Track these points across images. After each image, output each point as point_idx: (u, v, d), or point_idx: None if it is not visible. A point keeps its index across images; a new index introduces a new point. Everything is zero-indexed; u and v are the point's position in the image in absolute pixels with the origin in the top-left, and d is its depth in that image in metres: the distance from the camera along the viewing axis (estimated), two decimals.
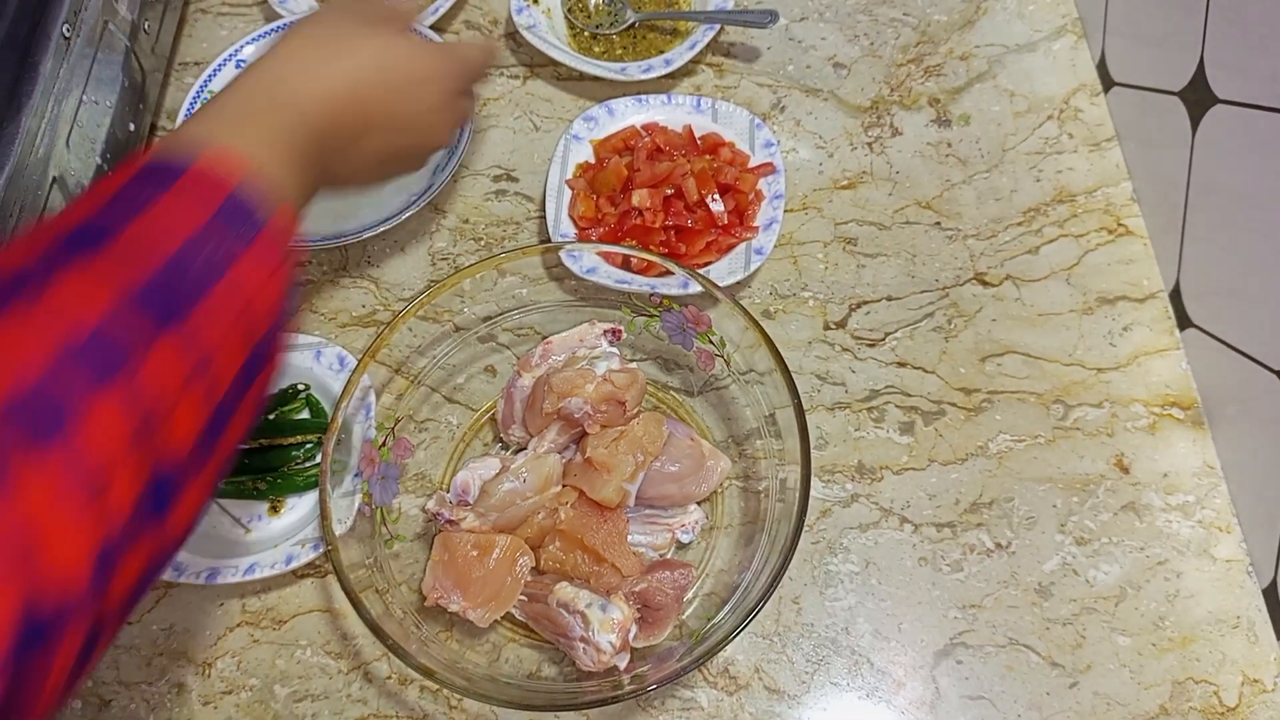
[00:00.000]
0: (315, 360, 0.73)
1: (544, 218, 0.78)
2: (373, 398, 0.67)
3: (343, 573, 0.58)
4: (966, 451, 0.71)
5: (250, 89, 0.51)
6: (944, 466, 0.71)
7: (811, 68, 0.87)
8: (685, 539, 0.67)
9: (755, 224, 0.76)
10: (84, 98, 0.70)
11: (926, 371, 0.74)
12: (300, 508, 0.70)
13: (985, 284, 0.77)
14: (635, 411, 0.66)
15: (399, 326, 0.65)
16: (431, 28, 0.84)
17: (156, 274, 0.40)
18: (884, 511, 0.70)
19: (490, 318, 0.72)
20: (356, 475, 0.64)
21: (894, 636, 0.66)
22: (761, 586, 0.58)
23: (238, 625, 0.67)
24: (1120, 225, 0.79)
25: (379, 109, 0.57)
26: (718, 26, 0.85)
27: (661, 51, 0.86)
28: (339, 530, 0.60)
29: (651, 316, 0.71)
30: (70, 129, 0.69)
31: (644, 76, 0.83)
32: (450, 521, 0.64)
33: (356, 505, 0.63)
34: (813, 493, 0.64)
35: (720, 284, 0.67)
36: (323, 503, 0.60)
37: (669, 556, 0.66)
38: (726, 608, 0.61)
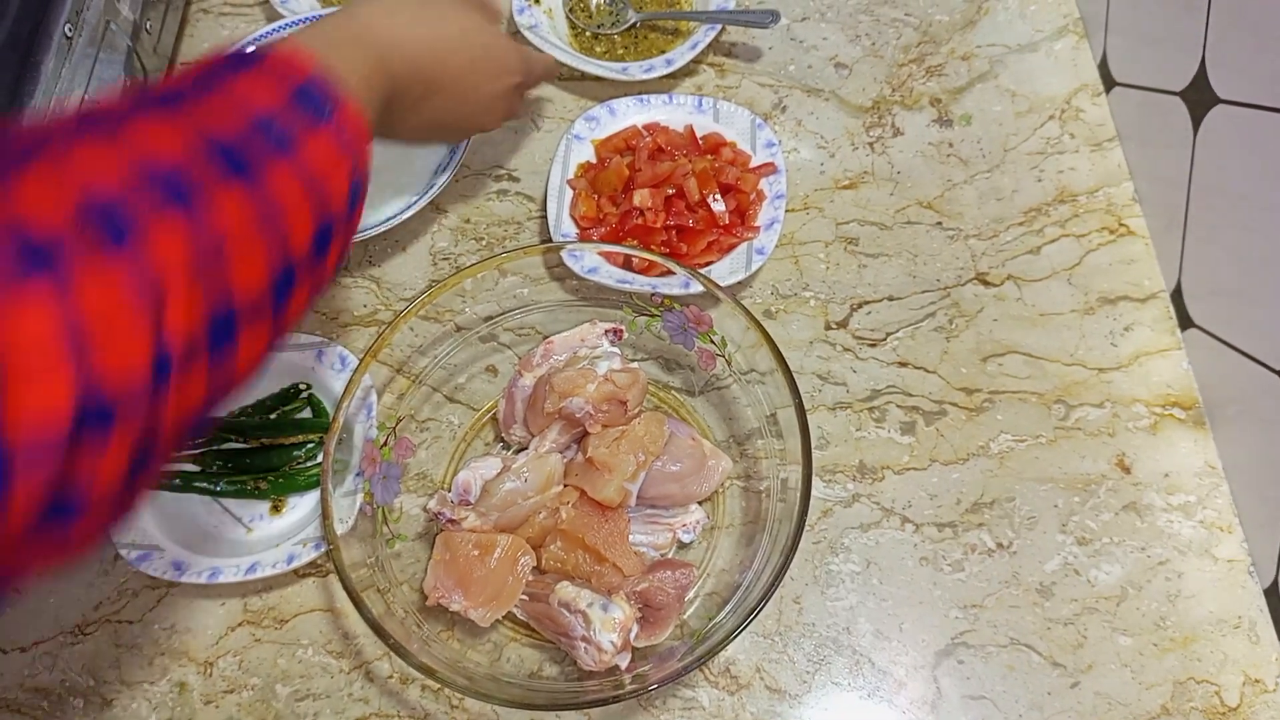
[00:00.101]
0: (317, 360, 0.73)
1: (545, 217, 0.78)
2: (374, 397, 0.67)
3: (344, 572, 0.58)
4: (968, 451, 0.71)
5: (339, 24, 0.55)
6: (945, 466, 0.71)
7: (813, 68, 0.87)
8: (686, 539, 0.67)
9: (756, 224, 0.76)
10: (86, 97, 0.70)
11: (928, 371, 0.74)
12: (302, 507, 0.70)
13: (987, 284, 0.77)
14: (636, 411, 0.66)
15: (400, 326, 0.65)
16: None
17: (232, 133, 0.42)
18: (885, 511, 0.70)
19: (492, 317, 0.72)
20: (358, 475, 0.64)
21: (895, 636, 0.66)
22: (763, 586, 0.58)
23: (239, 624, 0.67)
24: (1122, 225, 0.79)
25: (450, 78, 0.63)
26: (719, 26, 0.85)
27: (663, 51, 0.86)
28: (340, 530, 0.60)
29: (653, 316, 0.71)
30: None
31: (645, 76, 0.83)
32: (452, 521, 0.64)
33: (358, 505, 0.63)
34: (814, 492, 0.64)
35: (722, 284, 0.67)
36: (324, 502, 0.60)
37: (670, 556, 0.66)
38: (728, 607, 0.61)
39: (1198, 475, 0.70)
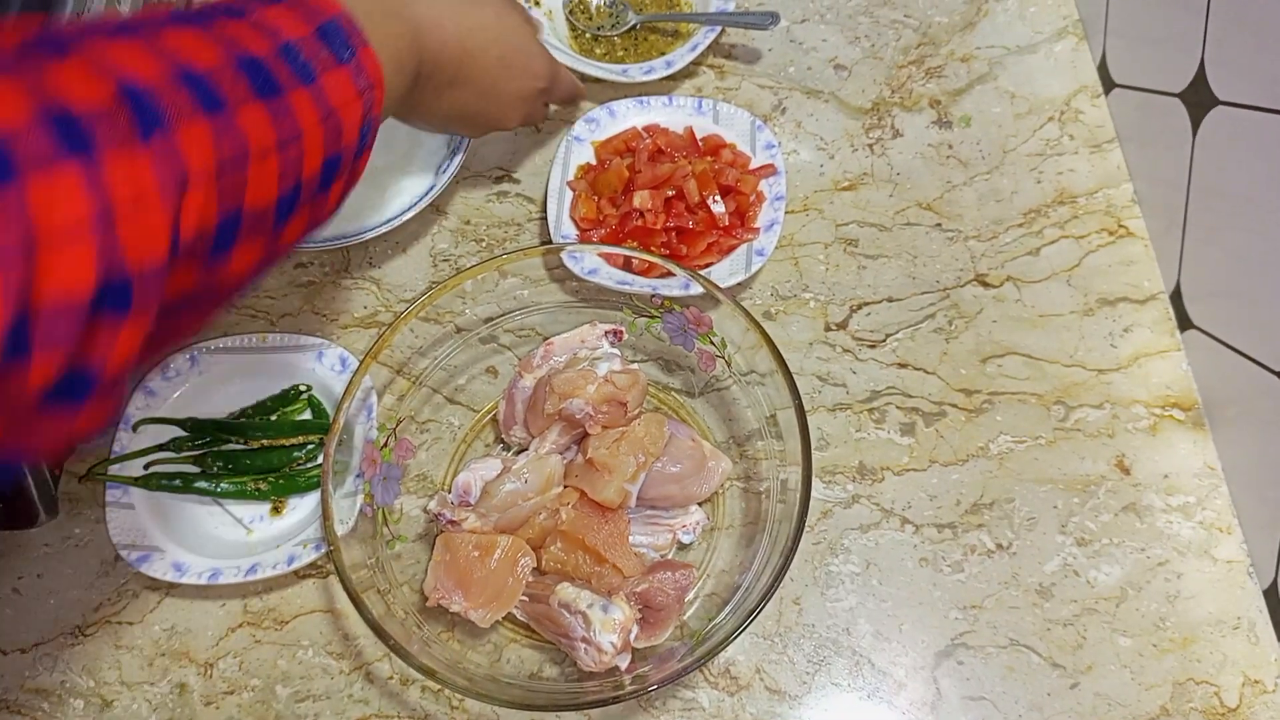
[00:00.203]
0: (317, 361, 0.73)
1: (545, 219, 0.78)
2: (374, 399, 0.67)
3: (344, 573, 0.58)
4: (967, 452, 0.71)
5: None
6: (945, 467, 0.71)
7: (813, 69, 0.87)
8: (686, 540, 0.67)
9: (756, 225, 0.76)
10: None
11: (927, 373, 0.74)
12: (302, 508, 0.70)
13: (986, 285, 0.77)
14: (636, 412, 0.66)
15: (400, 328, 0.65)
16: None
17: (259, 54, 0.43)
18: (885, 512, 0.70)
19: (492, 319, 0.72)
20: (358, 476, 0.64)
21: (895, 637, 0.66)
22: (762, 587, 0.58)
23: (239, 626, 0.67)
24: (1121, 227, 0.79)
25: (480, 69, 0.64)
26: (719, 29, 0.85)
27: (662, 53, 0.86)
28: (341, 531, 0.60)
29: (653, 318, 0.71)
30: None
31: (645, 78, 0.83)
32: (452, 522, 0.64)
33: (358, 506, 0.63)
34: (814, 494, 0.64)
35: (721, 285, 0.67)
36: (325, 503, 0.60)
37: (670, 557, 0.66)
38: (728, 608, 0.61)
39: (1197, 476, 0.70)
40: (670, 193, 0.76)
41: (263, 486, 0.70)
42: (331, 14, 0.48)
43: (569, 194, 0.78)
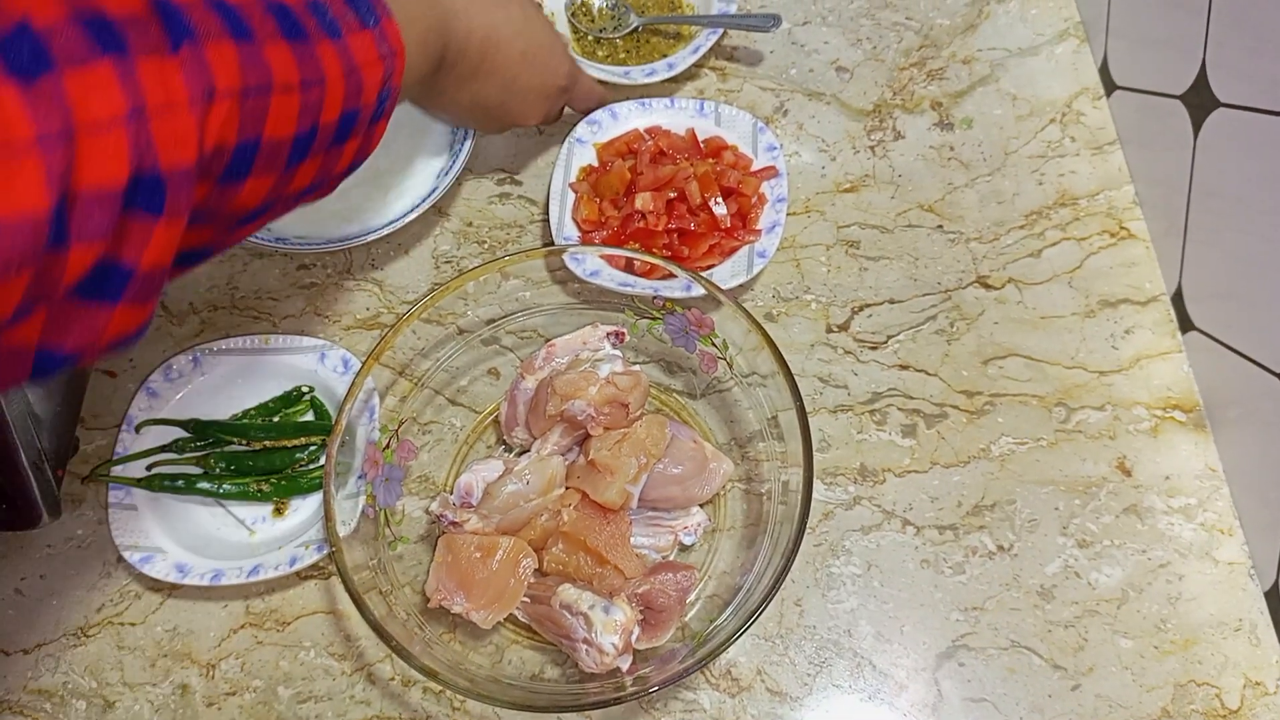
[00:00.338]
0: (319, 363, 0.73)
1: (547, 221, 0.78)
2: (376, 400, 0.67)
3: (346, 574, 0.58)
4: (968, 454, 0.71)
5: None
6: (946, 469, 0.71)
7: (814, 71, 0.88)
8: (688, 541, 0.67)
9: (758, 227, 0.76)
10: None
11: (929, 374, 0.74)
12: (304, 510, 0.70)
13: (987, 287, 0.77)
14: (638, 414, 0.66)
15: (403, 329, 0.65)
16: None
17: (288, 3, 0.45)
18: (886, 514, 0.70)
19: (494, 320, 0.72)
20: (360, 477, 0.65)
21: (896, 639, 0.66)
22: (764, 589, 0.58)
23: (242, 627, 0.68)
24: (1122, 228, 0.79)
25: (503, 62, 0.66)
26: (721, 31, 0.85)
27: (664, 55, 0.86)
28: (343, 532, 0.61)
29: (654, 319, 0.71)
30: None
31: (647, 80, 0.83)
32: (454, 523, 0.64)
33: (360, 507, 0.63)
34: (815, 495, 0.64)
35: (723, 287, 0.67)
36: (327, 504, 0.61)
37: (671, 558, 0.66)
38: (729, 610, 0.61)
39: (1198, 478, 0.70)
40: (672, 195, 0.76)
41: (265, 488, 0.70)
42: None
43: (571, 196, 0.78)
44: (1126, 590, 0.67)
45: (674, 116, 0.82)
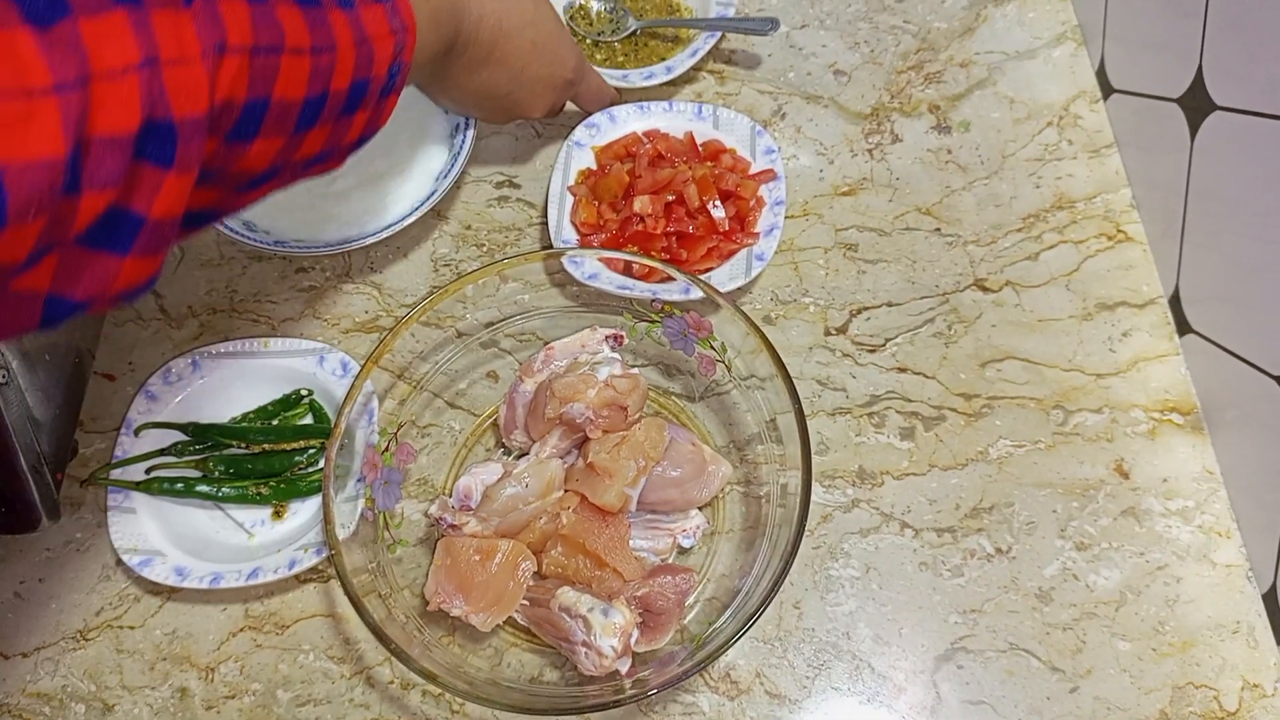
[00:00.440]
0: (318, 366, 0.73)
1: (546, 224, 0.78)
2: (375, 403, 0.67)
3: (346, 577, 0.58)
4: (967, 457, 0.71)
5: None
6: (944, 472, 0.71)
7: (812, 75, 0.88)
8: (687, 544, 0.67)
9: (756, 230, 0.76)
10: None
11: (927, 377, 0.74)
12: (303, 513, 0.70)
13: (985, 290, 0.77)
14: (637, 417, 0.66)
15: (401, 332, 0.65)
16: None
17: None
18: (885, 516, 0.70)
19: (492, 323, 0.72)
20: (359, 480, 0.65)
21: (895, 641, 0.66)
22: (762, 591, 0.58)
23: (241, 630, 0.68)
24: (1120, 231, 0.79)
25: (513, 50, 0.67)
26: (719, 34, 0.85)
27: (663, 59, 0.86)
28: (342, 535, 0.61)
29: (653, 322, 0.71)
30: None
31: (646, 83, 0.83)
32: (453, 526, 0.64)
33: (359, 510, 0.63)
34: (813, 498, 0.64)
35: (721, 290, 0.67)
36: (326, 507, 0.61)
37: (670, 561, 0.66)
38: (728, 612, 0.61)
39: (1196, 480, 0.70)
40: (670, 198, 0.76)
41: (264, 491, 0.70)
42: None
43: (569, 199, 0.78)
44: (1124, 592, 0.67)
45: (672, 120, 0.82)
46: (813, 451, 0.61)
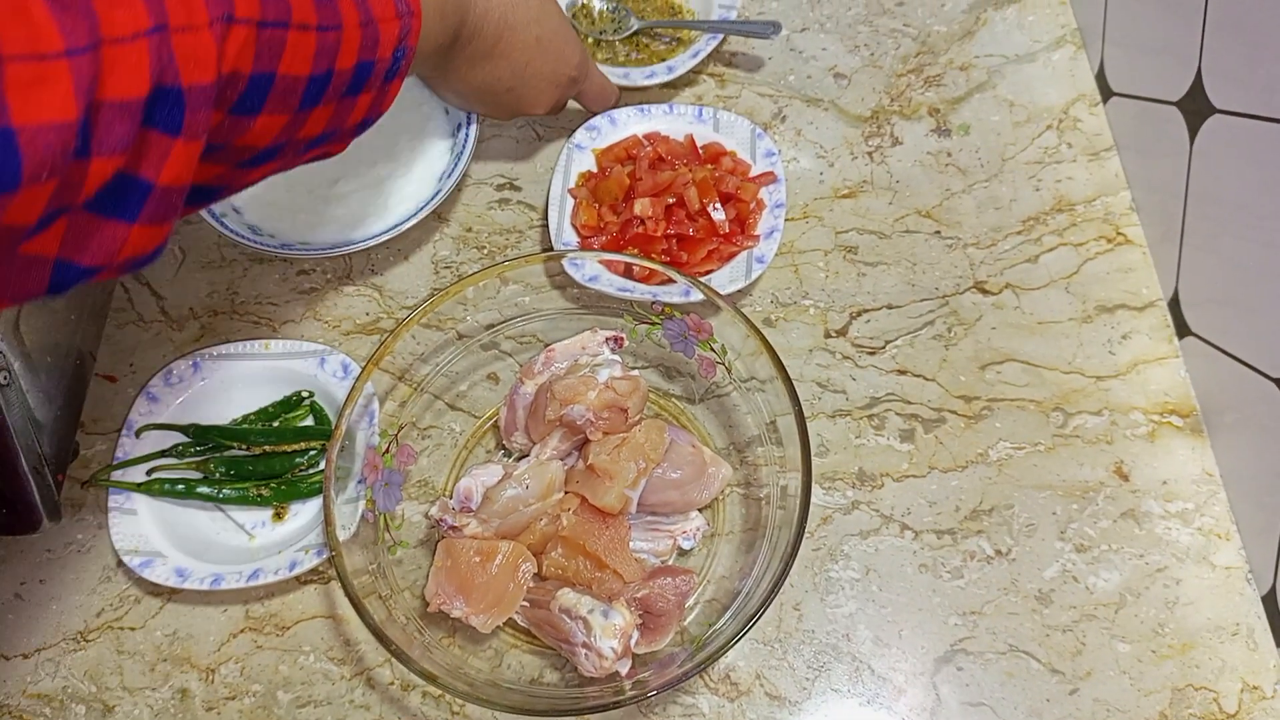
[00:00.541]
0: (319, 367, 0.73)
1: (546, 226, 0.79)
2: (376, 405, 0.67)
3: (346, 578, 0.59)
4: (967, 459, 0.72)
5: None
6: (944, 474, 0.71)
7: (812, 78, 0.88)
8: (687, 545, 0.67)
9: (756, 232, 0.76)
10: None
11: (927, 379, 0.74)
12: (304, 514, 0.71)
13: (985, 292, 0.78)
14: (637, 419, 0.66)
15: (402, 334, 0.66)
16: None
17: None
18: (884, 518, 0.70)
19: (493, 325, 0.73)
20: (360, 482, 0.65)
21: (894, 643, 0.66)
22: (762, 593, 0.58)
23: (241, 631, 0.68)
24: (1119, 234, 0.80)
25: (517, 46, 0.67)
26: (720, 36, 0.85)
27: (664, 60, 0.86)
28: (342, 536, 0.61)
29: (653, 324, 0.71)
30: None
31: (647, 82, 0.83)
32: (453, 528, 0.64)
33: (360, 511, 0.63)
34: (813, 500, 0.64)
35: (722, 292, 0.68)
36: (326, 509, 0.61)
37: (670, 563, 0.67)
38: (728, 614, 0.61)
39: (1195, 482, 0.70)
40: (671, 200, 0.77)
41: (265, 492, 0.70)
42: None
43: (570, 201, 0.79)
44: (1124, 594, 0.67)
45: (672, 122, 0.82)
46: (813, 453, 0.61)
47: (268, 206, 0.77)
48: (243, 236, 0.74)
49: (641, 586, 0.61)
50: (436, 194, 0.76)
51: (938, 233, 0.80)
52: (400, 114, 0.80)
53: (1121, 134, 0.83)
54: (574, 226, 0.77)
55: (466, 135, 0.79)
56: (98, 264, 0.38)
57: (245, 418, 0.73)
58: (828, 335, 0.76)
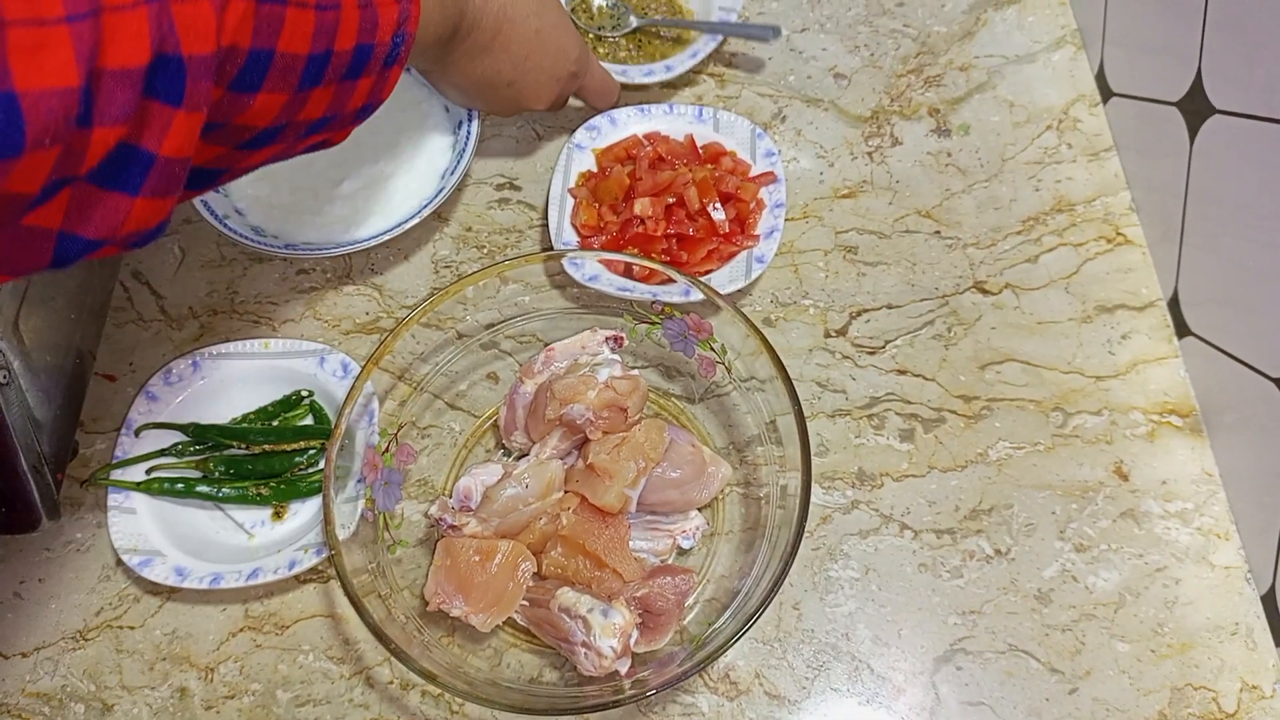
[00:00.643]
0: (319, 367, 0.73)
1: (546, 226, 0.79)
2: (376, 404, 0.67)
3: (346, 578, 0.59)
4: (966, 459, 0.72)
5: None
6: (944, 473, 0.71)
7: (812, 78, 0.88)
8: (686, 545, 0.67)
9: (756, 232, 0.76)
10: None
11: (926, 379, 0.74)
12: (303, 513, 0.70)
13: (985, 292, 0.78)
14: (637, 418, 0.66)
15: (402, 333, 0.66)
16: None
17: None
18: (884, 518, 0.70)
19: (493, 325, 0.73)
20: (359, 481, 0.65)
21: (894, 642, 0.66)
22: (762, 592, 0.58)
23: (240, 630, 0.68)
24: (1119, 234, 0.80)
25: (516, 39, 0.67)
26: (720, 37, 0.85)
27: (664, 58, 0.86)
28: (342, 535, 0.61)
29: (653, 324, 0.71)
30: None
31: (645, 80, 0.83)
32: (453, 527, 0.64)
33: (359, 511, 0.63)
34: (813, 499, 0.64)
35: (721, 292, 0.68)
36: (326, 508, 0.61)
37: (670, 562, 0.66)
38: (727, 613, 0.61)
39: (1195, 482, 0.70)
40: (671, 200, 0.77)
41: (264, 491, 0.70)
42: None
43: (570, 201, 0.79)
44: (1123, 594, 0.67)
45: (673, 122, 0.82)
46: (812, 453, 0.61)
47: (271, 209, 0.78)
48: (246, 238, 0.74)
49: (641, 586, 0.61)
50: (439, 191, 0.76)
51: (937, 233, 0.80)
52: (401, 112, 0.80)
53: (1121, 134, 0.83)
54: (574, 226, 0.77)
55: (468, 133, 0.79)
56: (101, 237, 0.38)
57: (245, 417, 0.73)
58: (827, 335, 0.76)
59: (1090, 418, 0.73)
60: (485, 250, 0.81)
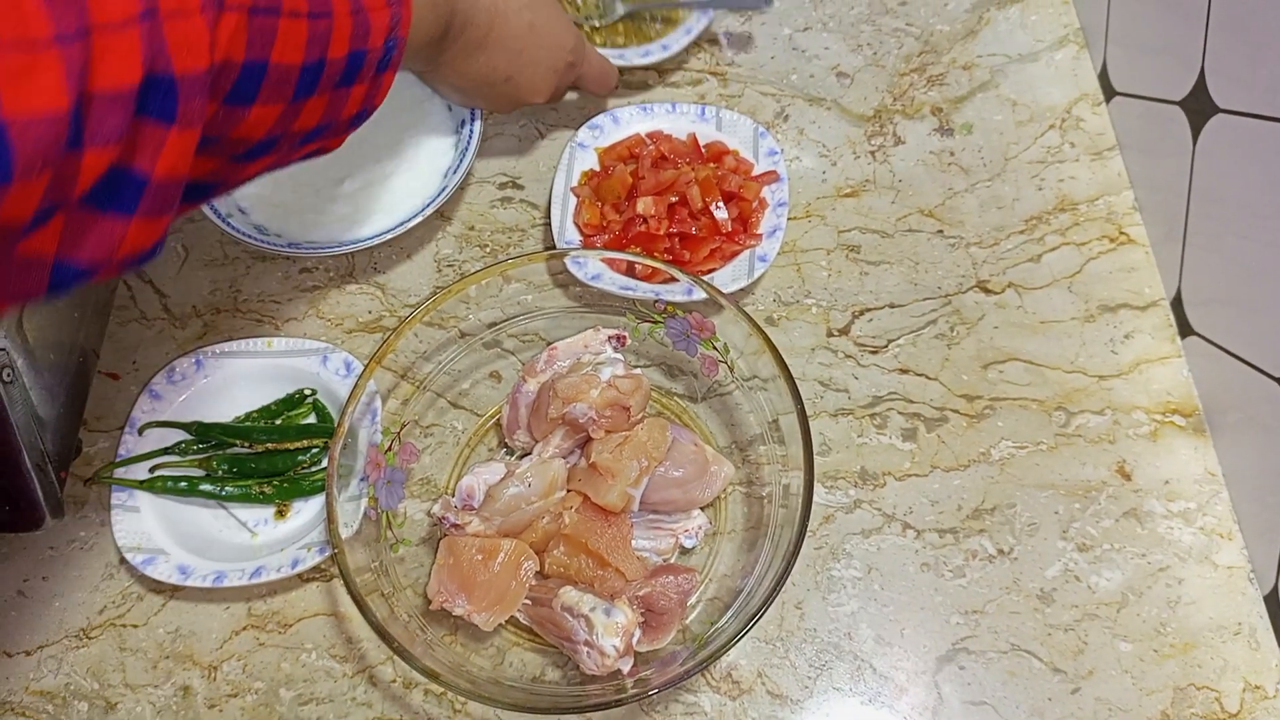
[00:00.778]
0: (322, 365, 0.73)
1: (549, 225, 0.79)
2: (379, 403, 0.67)
3: (348, 576, 0.59)
4: (969, 458, 0.72)
5: None
6: (946, 473, 0.71)
7: (815, 77, 0.88)
8: (689, 544, 0.67)
9: (759, 231, 0.76)
10: None
11: (929, 378, 0.74)
12: (306, 512, 0.71)
13: (987, 291, 0.78)
14: (639, 417, 0.66)
15: (405, 332, 0.66)
16: None
17: None
18: (886, 517, 0.70)
19: (495, 324, 0.73)
20: (362, 479, 0.65)
21: (896, 642, 0.66)
22: (764, 591, 0.58)
23: (243, 629, 0.68)
24: (1122, 234, 0.79)
25: (510, 34, 0.67)
26: (711, 14, 0.85)
27: (658, 39, 0.85)
28: (345, 534, 0.61)
29: (656, 323, 0.71)
30: None
31: (644, 61, 0.83)
32: (455, 526, 0.64)
33: (362, 509, 0.64)
34: (815, 498, 0.64)
35: (724, 291, 0.67)
36: (329, 507, 0.61)
37: (672, 561, 0.67)
38: (729, 612, 0.61)
39: (1198, 482, 0.70)
40: (673, 199, 0.77)
41: (267, 490, 0.70)
42: None
43: (573, 200, 0.79)
44: (1126, 594, 0.67)
45: (675, 121, 0.82)
46: (815, 452, 0.61)
47: (274, 208, 0.78)
48: (249, 236, 0.74)
49: (643, 585, 0.61)
50: (442, 190, 0.76)
51: (940, 232, 0.80)
52: (403, 112, 0.80)
53: (1124, 133, 0.83)
54: (577, 225, 0.77)
55: (471, 131, 0.79)
56: (96, 261, 0.38)
57: (248, 415, 0.73)
58: (830, 334, 0.76)
59: (1093, 417, 0.73)
60: (488, 249, 0.81)
